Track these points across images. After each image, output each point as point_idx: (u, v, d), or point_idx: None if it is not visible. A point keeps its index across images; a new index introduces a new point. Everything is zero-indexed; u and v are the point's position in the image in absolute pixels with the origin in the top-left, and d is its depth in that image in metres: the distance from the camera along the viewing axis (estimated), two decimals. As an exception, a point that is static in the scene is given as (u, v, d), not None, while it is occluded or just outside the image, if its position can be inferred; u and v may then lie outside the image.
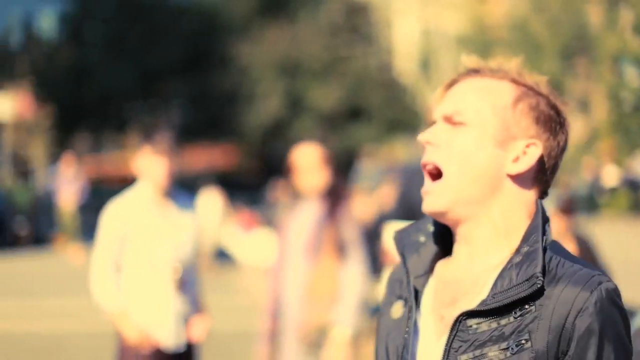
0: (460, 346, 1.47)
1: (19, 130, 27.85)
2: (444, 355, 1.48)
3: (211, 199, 15.70)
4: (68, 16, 29.36)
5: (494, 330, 1.45)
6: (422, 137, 1.56)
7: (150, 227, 4.57)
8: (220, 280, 12.59)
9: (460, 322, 1.47)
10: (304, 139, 4.94)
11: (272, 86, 33.35)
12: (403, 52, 34.99)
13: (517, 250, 1.50)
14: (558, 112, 1.57)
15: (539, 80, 1.59)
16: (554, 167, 1.58)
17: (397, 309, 1.61)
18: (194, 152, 31.88)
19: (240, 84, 33.16)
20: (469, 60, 1.60)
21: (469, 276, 1.53)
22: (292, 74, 32.85)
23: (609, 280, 1.49)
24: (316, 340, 4.34)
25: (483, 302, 1.46)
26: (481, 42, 26.60)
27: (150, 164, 4.56)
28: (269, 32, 32.52)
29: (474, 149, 1.52)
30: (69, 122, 31.04)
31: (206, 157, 34.21)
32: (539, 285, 1.44)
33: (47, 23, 30.11)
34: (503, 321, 1.45)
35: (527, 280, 1.45)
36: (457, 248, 1.57)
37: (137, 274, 4.50)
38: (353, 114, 32.92)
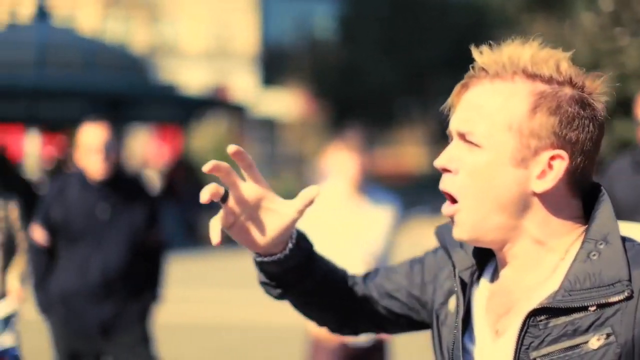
0: (532, 342, 1.40)
1: (298, 128, 29.75)
2: (515, 353, 1.41)
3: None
4: (343, 17, 30.66)
5: (568, 325, 1.38)
6: (438, 162, 1.47)
7: (343, 222, 4.71)
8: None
9: (531, 317, 1.39)
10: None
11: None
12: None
13: (585, 247, 1.42)
14: (584, 104, 1.42)
15: (559, 61, 1.44)
16: (590, 162, 1.44)
17: (453, 303, 1.57)
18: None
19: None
20: (477, 55, 1.47)
21: (519, 287, 1.46)
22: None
23: None
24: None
25: (557, 299, 1.39)
26: None
27: (342, 160, 4.73)
28: (536, 28, 32.03)
29: (491, 174, 1.42)
30: (341, 120, 32.56)
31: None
32: (626, 294, 1.37)
33: (322, 24, 31.67)
34: (579, 314, 1.38)
35: (612, 284, 1.38)
36: (499, 262, 1.51)
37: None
38: (619, 108, 31.69)
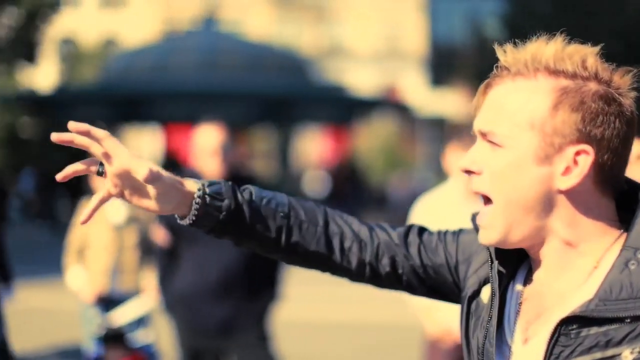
0: (562, 351, 1.36)
1: (458, 126, 29.44)
2: None
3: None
4: (507, 15, 30.07)
5: (600, 335, 1.34)
6: (462, 164, 1.46)
7: (459, 222, 4.74)
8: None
9: (562, 325, 1.35)
10: None
11: None
12: None
13: (624, 254, 1.37)
14: (609, 100, 1.38)
15: (585, 56, 1.40)
16: (619, 159, 1.40)
17: (486, 293, 1.54)
18: None
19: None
20: (501, 54, 1.45)
21: (551, 292, 1.43)
22: None
23: None
24: None
25: (591, 308, 1.34)
26: None
27: (458, 160, 4.77)
28: None
29: (515, 173, 1.40)
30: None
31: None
32: None
33: (490, 22, 31.16)
34: (612, 326, 1.33)
35: None
36: (533, 264, 1.48)
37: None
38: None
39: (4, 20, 24.76)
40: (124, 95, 22.44)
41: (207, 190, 1.59)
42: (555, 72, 1.40)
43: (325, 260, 1.71)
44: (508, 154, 1.40)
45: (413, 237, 1.72)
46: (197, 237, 4.74)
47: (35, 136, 27.87)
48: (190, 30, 23.67)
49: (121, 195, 1.54)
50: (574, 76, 1.39)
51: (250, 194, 1.65)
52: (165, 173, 1.55)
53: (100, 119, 19.64)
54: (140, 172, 1.49)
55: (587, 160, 1.37)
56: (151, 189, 1.54)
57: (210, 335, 4.82)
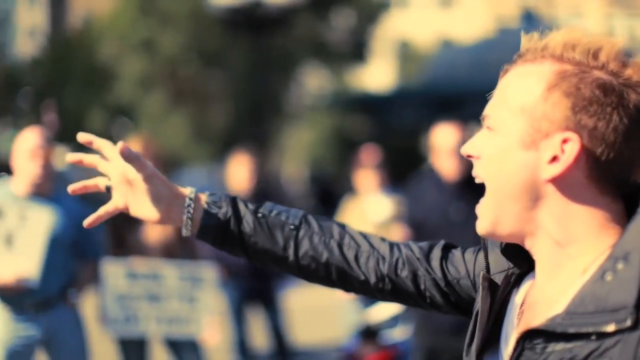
0: None
1: None
2: None
3: None
4: None
5: (566, 352, 1.26)
6: (463, 149, 1.41)
7: None
8: None
9: (525, 339, 1.30)
10: None
11: None
12: None
13: (605, 264, 1.27)
14: (608, 89, 1.29)
15: (602, 48, 1.32)
16: (620, 156, 1.29)
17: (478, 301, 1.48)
18: None
19: None
20: (525, 40, 1.39)
21: (543, 297, 1.36)
22: None
23: None
24: None
25: (556, 322, 1.27)
26: None
27: None
28: None
29: (502, 158, 1.34)
30: None
31: None
32: (628, 324, 1.21)
33: None
34: (579, 342, 1.25)
35: (615, 310, 1.23)
36: (535, 266, 1.41)
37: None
38: None
39: (337, 22, 26.16)
40: (446, 95, 22.72)
41: (207, 198, 1.68)
42: (561, 59, 1.33)
43: (340, 274, 1.69)
44: (498, 138, 1.36)
45: (437, 251, 1.67)
46: (432, 237, 4.80)
47: (365, 138, 29.07)
48: (510, 28, 23.44)
49: (126, 208, 1.67)
50: (579, 64, 1.32)
51: (258, 205, 1.70)
52: (161, 176, 1.67)
53: (425, 120, 20.07)
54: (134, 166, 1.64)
55: (573, 147, 1.29)
56: (147, 189, 1.65)
57: (445, 334, 4.86)
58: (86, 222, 1.68)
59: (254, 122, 20.13)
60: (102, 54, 29.31)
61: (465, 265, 1.65)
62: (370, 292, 1.71)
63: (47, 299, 4.67)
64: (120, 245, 5.24)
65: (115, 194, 1.68)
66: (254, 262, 1.72)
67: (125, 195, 1.67)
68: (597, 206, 1.31)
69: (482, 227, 1.39)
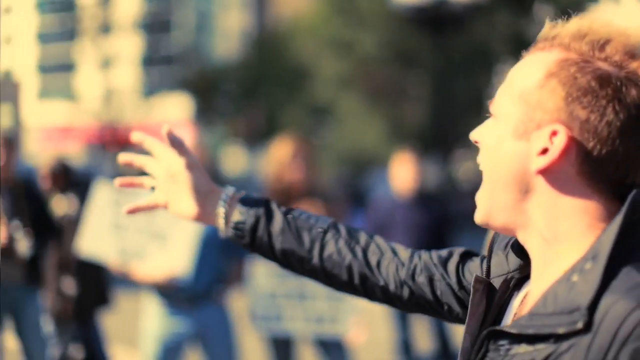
0: None
1: None
2: None
3: None
4: None
5: (527, 355, 1.23)
6: (471, 135, 1.39)
7: None
8: None
9: (489, 339, 1.28)
10: None
11: None
12: None
13: (576, 264, 1.23)
14: (605, 81, 1.23)
15: (612, 39, 1.26)
16: (614, 154, 1.23)
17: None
18: None
19: None
20: (545, 28, 1.34)
21: (531, 298, 1.32)
22: None
23: None
24: None
25: (518, 323, 1.24)
26: None
27: None
28: None
29: (496, 146, 1.32)
30: None
31: None
32: (579, 326, 1.17)
33: None
34: (542, 345, 1.21)
35: (570, 312, 1.19)
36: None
37: None
38: None
39: (539, 16, 25.56)
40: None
41: (241, 196, 1.75)
42: (568, 48, 1.29)
43: (362, 279, 1.70)
44: (497, 125, 1.34)
45: (455, 257, 1.65)
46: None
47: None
48: None
49: (166, 205, 1.78)
50: (584, 54, 1.27)
51: (290, 209, 1.75)
52: (201, 168, 1.76)
53: None
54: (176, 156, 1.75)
55: (560, 141, 1.25)
56: (187, 178, 1.74)
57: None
58: (125, 210, 1.79)
59: (452, 121, 19.99)
60: (299, 54, 30.08)
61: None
62: (391, 300, 1.70)
63: (198, 296, 4.87)
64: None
65: (157, 191, 1.78)
66: (280, 264, 1.76)
67: (166, 194, 1.77)
68: (587, 204, 1.27)
69: (477, 216, 1.37)
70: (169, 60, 48.90)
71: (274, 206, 1.76)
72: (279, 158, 5.31)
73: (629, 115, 1.23)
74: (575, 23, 1.30)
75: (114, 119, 39.04)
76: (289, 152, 5.28)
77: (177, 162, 1.75)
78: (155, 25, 48.93)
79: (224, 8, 51.23)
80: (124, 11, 46.60)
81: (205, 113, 38.61)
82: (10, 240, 5.54)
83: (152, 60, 49.79)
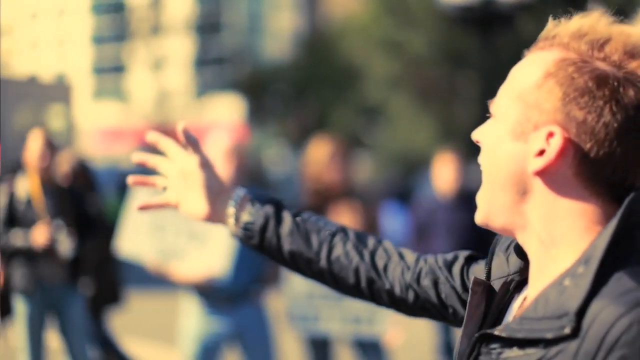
0: None
1: None
2: None
3: None
4: None
5: (518, 358, 1.22)
6: (473, 135, 1.37)
7: None
8: None
9: (482, 342, 1.27)
10: None
11: None
12: None
13: (570, 268, 1.21)
14: (602, 81, 1.21)
15: (612, 39, 1.24)
16: (611, 156, 1.21)
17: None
18: None
19: None
20: (548, 26, 1.32)
21: (531, 297, 1.30)
22: None
23: None
24: None
25: (509, 327, 1.23)
26: None
27: None
28: None
29: (494, 147, 1.31)
30: None
31: None
32: (566, 332, 1.15)
33: None
34: (532, 350, 1.20)
35: (559, 317, 1.18)
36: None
37: None
38: None
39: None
40: None
41: (253, 197, 1.77)
42: (567, 48, 1.26)
43: (369, 282, 1.70)
44: (496, 125, 1.32)
45: (460, 260, 1.64)
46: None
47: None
48: None
49: (177, 205, 1.81)
50: (583, 53, 1.25)
51: (300, 212, 1.76)
52: (214, 168, 1.79)
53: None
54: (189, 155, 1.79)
55: (556, 143, 1.22)
56: (200, 176, 1.77)
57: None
58: (137, 206, 1.83)
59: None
60: (349, 54, 30.09)
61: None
62: (397, 304, 1.70)
63: (236, 296, 4.90)
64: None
65: (169, 191, 1.81)
66: (287, 266, 1.77)
67: (178, 194, 1.80)
68: (585, 207, 1.24)
69: (477, 216, 1.36)
70: (220, 61, 49.26)
71: (283, 208, 1.77)
72: (317, 158, 5.33)
73: (626, 116, 1.21)
74: (577, 22, 1.28)
75: (166, 120, 39.44)
76: (327, 152, 5.29)
77: (191, 161, 1.78)
78: (206, 27, 49.32)
79: (275, 9, 51.45)
80: (175, 13, 47.04)
81: (256, 113, 38.82)
82: (53, 240, 5.64)
83: (203, 61, 50.19)
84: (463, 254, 1.65)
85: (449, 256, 1.66)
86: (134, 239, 4.88)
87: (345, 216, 5.14)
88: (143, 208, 1.82)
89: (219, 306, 4.92)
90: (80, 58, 53.95)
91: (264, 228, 1.75)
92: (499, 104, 1.32)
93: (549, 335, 1.17)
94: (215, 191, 1.78)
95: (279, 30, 50.56)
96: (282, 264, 1.78)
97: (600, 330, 1.12)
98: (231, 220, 1.77)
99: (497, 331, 1.24)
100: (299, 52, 38.45)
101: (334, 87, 32.16)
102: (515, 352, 1.22)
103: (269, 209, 1.76)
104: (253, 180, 24.90)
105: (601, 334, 1.12)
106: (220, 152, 4.92)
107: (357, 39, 29.12)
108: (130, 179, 1.82)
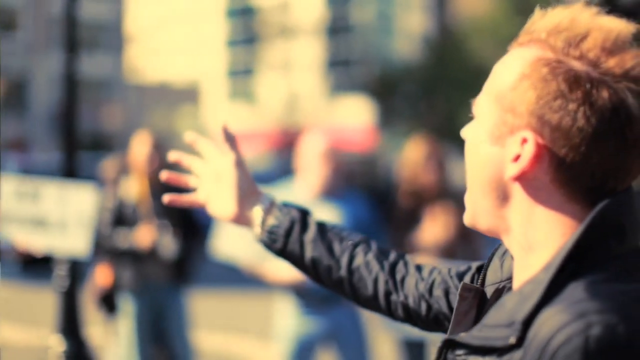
0: None
1: None
2: None
3: None
4: None
5: None
6: (461, 132, 1.34)
7: None
8: None
9: (447, 348, 1.27)
10: None
11: None
12: None
13: (534, 277, 1.18)
14: (574, 83, 1.16)
15: (590, 33, 1.19)
16: (587, 161, 1.17)
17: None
18: None
19: None
20: (533, 18, 1.27)
21: None
22: None
23: (619, 322, 1.06)
24: None
25: (472, 333, 1.22)
26: None
27: None
28: None
29: (475, 148, 1.29)
30: None
31: None
32: (510, 341, 1.13)
33: None
34: (489, 358, 1.18)
35: (507, 325, 1.16)
36: None
37: None
38: None
39: None
40: None
41: (281, 202, 1.80)
42: (545, 45, 1.22)
43: (386, 293, 1.70)
44: (474, 126, 1.30)
45: (472, 270, 1.60)
46: None
47: None
48: None
49: (205, 204, 1.86)
50: (558, 52, 1.20)
51: (325, 222, 1.78)
52: (247, 169, 1.82)
53: None
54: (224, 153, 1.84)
55: (530, 149, 1.19)
56: (232, 175, 1.82)
57: None
58: (165, 199, 1.87)
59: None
60: (478, 54, 29.73)
61: None
62: (411, 318, 1.70)
63: (331, 297, 4.93)
64: (399, 246, 5.40)
65: (199, 191, 1.86)
66: (307, 273, 1.79)
67: (208, 194, 1.85)
68: (562, 213, 1.21)
69: (465, 217, 1.35)
70: (349, 63, 49.47)
71: (309, 215, 1.80)
72: (413, 160, 5.31)
73: (601, 119, 1.16)
74: (557, 15, 1.23)
75: (295, 123, 39.88)
76: (423, 153, 5.27)
77: (225, 161, 1.83)
78: (335, 28, 49.64)
79: (404, 9, 51.32)
80: (304, 15, 47.53)
81: (385, 115, 38.81)
82: (157, 241, 5.81)
83: (332, 63, 50.54)
84: (475, 264, 1.62)
85: (462, 267, 1.64)
86: (230, 241, 4.97)
87: (439, 218, 5.11)
88: (170, 202, 1.87)
89: (314, 307, 4.96)
90: (215, 61, 55.19)
91: (288, 232, 1.77)
92: (479, 104, 1.30)
93: (499, 344, 1.15)
94: (246, 192, 1.81)
95: (408, 31, 50.39)
96: (302, 271, 1.80)
97: (542, 340, 1.09)
98: (257, 223, 1.80)
99: (458, 338, 1.24)
100: (428, 53, 38.23)
101: (463, 88, 31.81)
102: (477, 359, 1.20)
103: (295, 214, 1.79)
104: (378, 182, 24.84)
105: (542, 344, 1.09)
106: (315, 154, 4.98)
107: (486, 39, 28.77)
108: (164, 175, 1.87)
